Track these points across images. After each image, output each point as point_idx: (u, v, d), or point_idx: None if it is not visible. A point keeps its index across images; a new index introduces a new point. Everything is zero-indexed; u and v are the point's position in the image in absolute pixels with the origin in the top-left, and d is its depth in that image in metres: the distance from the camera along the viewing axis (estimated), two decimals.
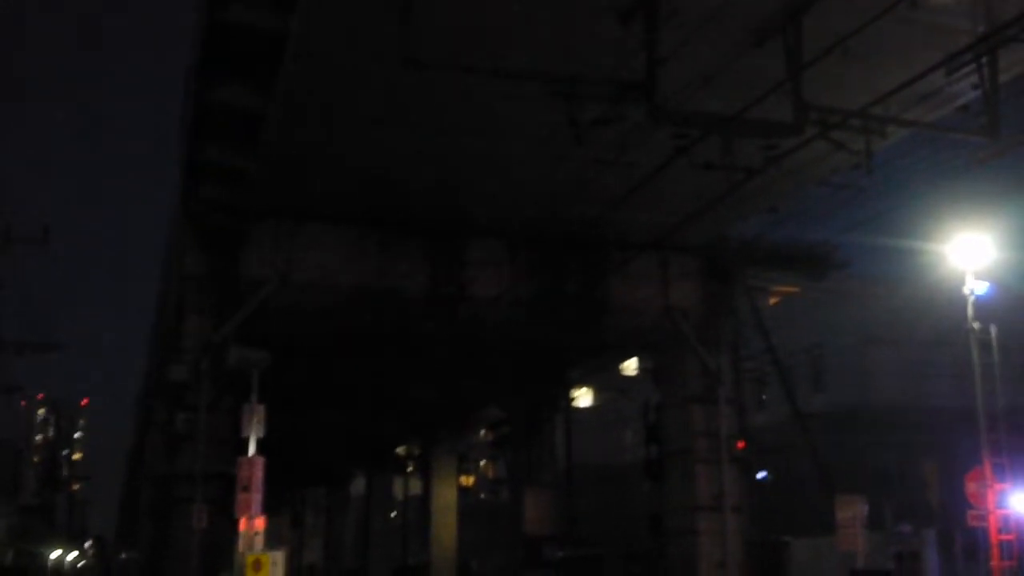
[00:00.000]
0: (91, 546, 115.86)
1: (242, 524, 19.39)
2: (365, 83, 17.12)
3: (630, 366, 41.61)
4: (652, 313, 25.15)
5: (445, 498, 47.28)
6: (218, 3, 16.28)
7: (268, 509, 20.79)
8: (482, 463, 63.23)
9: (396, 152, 19.83)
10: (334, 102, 17.88)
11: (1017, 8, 13.64)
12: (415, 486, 52.94)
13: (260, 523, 19.62)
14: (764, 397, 40.58)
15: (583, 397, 49.10)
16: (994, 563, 20.38)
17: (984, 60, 15.33)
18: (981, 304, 20.79)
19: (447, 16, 15.10)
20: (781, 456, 38.26)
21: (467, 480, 56.38)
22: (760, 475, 32.97)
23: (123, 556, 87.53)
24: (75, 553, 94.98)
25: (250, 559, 18.87)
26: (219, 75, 18.15)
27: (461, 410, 41.40)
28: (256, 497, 19.35)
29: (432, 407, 39.82)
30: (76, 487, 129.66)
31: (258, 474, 19.44)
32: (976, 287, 20.72)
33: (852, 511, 23.39)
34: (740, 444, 25.83)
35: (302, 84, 17.20)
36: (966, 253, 21.02)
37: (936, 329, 34.77)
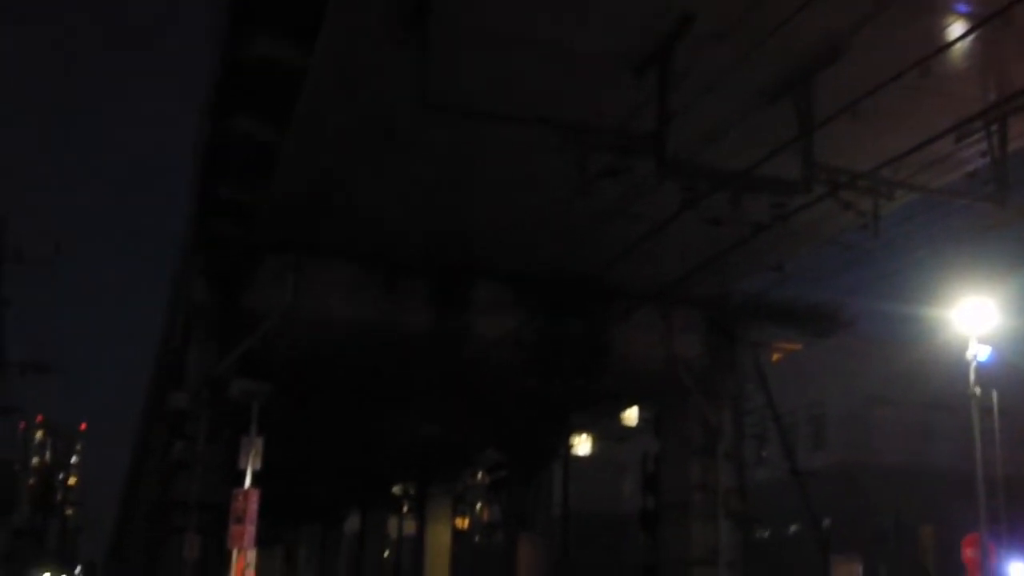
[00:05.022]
0: (81, 572, 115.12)
1: (234, 556, 19.33)
2: (379, 123, 17.28)
3: (631, 415, 41.51)
4: (654, 363, 25.14)
5: (439, 540, 46.98)
6: (239, 38, 16.48)
7: (261, 543, 20.73)
8: (478, 506, 62.88)
9: (407, 192, 19.98)
10: (348, 140, 18.04)
11: None
12: (410, 526, 52.61)
13: (252, 556, 19.56)
14: (764, 454, 40.41)
15: (582, 444, 48.89)
16: None
17: (993, 128, 15.49)
18: (984, 369, 20.80)
19: (464, 61, 15.28)
20: (779, 514, 38.07)
21: (462, 523, 56.05)
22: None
23: None
24: None
25: None
26: (235, 109, 18.34)
27: (459, 452, 41.26)
28: (249, 529, 19.30)
29: (430, 447, 39.69)
30: (69, 512, 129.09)
31: (253, 506, 19.41)
32: (979, 352, 20.74)
33: (847, 572, 23.29)
34: (739, 499, 25.69)
35: (317, 120, 17.38)
36: (970, 318, 21.06)
37: (938, 392, 34.69)
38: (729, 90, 14.81)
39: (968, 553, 21.27)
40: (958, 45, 13.69)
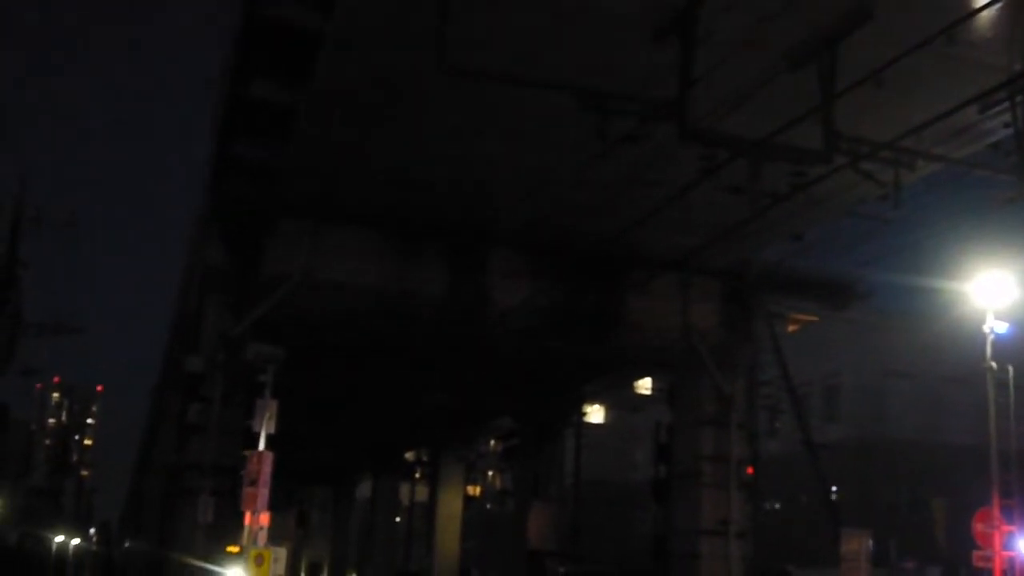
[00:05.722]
0: (96, 533, 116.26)
1: (247, 518, 19.44)
2: (398, 86, 17.19)
3: (644, 385, 41.58)
4: (670, 333, 25.10)
5: (451, 506, 47.23)
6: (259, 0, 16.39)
7: (274, 505, 20.84)
8: (490, 474, 63.16)
9: (425, 156, 19.92)
10: (366, 103, 17.97)
11: None
12: (421, 492, 52.93)
13: (265, 518, 19.67)
14: (777, 425, 40.41)
15: (595, 413, 49.04)
16: None
17: (1018, 99, 15.27)
18: (1000, 343, 20.66)
19: (483, 24, 15.17)
20: (790, 485, 38.13)
21: (474, 490, 56.33)
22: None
23: (127, 544, 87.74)
24: (77, 540, 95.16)
25: (252, 553, 18.93)
26: (253, 70, 18.27)
27: (472, 419, 41.39)
28: (263, 492, 19.40)
29: (443, 414, 39.82)
30: (85, 473, 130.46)
31: (266, 469, 19.50)
32: (996, 326, 20.58)
33: (857, 545, 23.29)
34: (749, 470, 25.74)
35: (336, 83, 17.30)
36: (988, 292, 20.88)
37: (954, 366, 34.59)
38: (751, 56, 14.66)
39: (979, 527, 21.19)
40: (984, 13, 13.51)
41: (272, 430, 19.92)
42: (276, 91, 18.46)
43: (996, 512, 20.40)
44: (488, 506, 64.58)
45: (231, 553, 19.74)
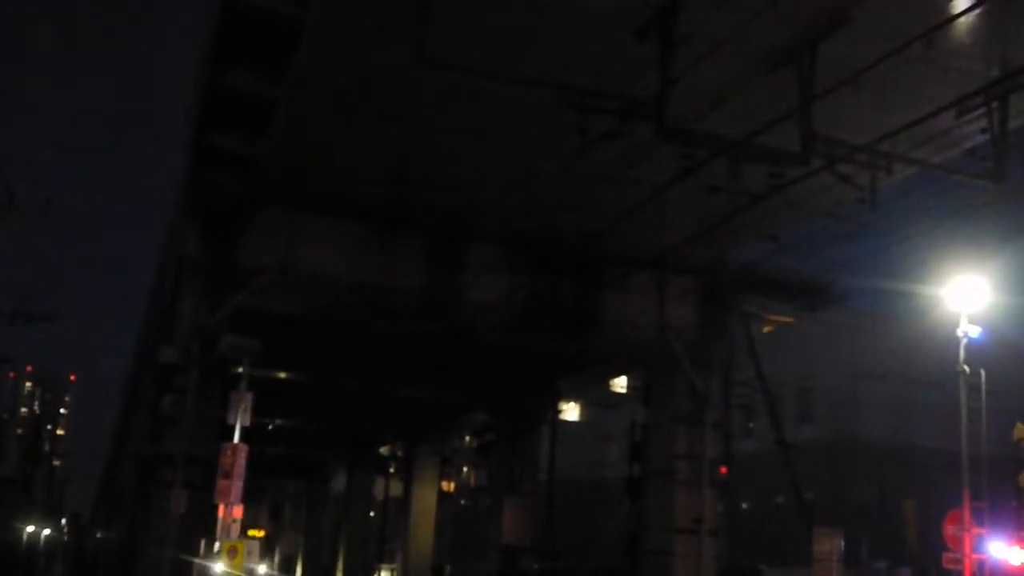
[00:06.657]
0: (67, 523, 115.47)
1: (220, 510, 19.39)
2: (378, 78, 17.16)
3: (620, 382, 41.63)
4: (646, 331, 25.17)
5: (425, 501, 47.20)
6: None
7: (247, 498, 20.77)
8: (464, 469, 63.19)
9: (403, 149, 19.89)
10: (345, 95, 17.93)
11: None
12: (396, 487, 52.85)
13: (238, 511, 19.63)
14: (751, 425, 40.59)
15: (571, 410, 49.05)
16: None
17: (994, 105, 15.41)
18: (973, 348, 20.80)
19: (464, 18, 15.15)
20: (764, 484, 38.33)
21: (448, 485, 56.27)
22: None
23: (99, 535, 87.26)
24: (48, 530, 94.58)
25: (226, 546, 18.88)
26: (232, 60, 18.18)
27: (447, 413, 41.38)
28: (237, 484, 19.36)
29: (418, 408, 39.78)
30: (57, 462, 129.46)
31: (241, 461, 19.46)
32: (969, 330, 20.72)
33: (829, 544, 23.45)
34: (722, 469, 25.83)
35: (315, 74, 17.25)
36: (962, 296, 21.02)
37: (927, 369, 34.85)
38: (731, 57, 14.70)
39: (950, 530, 21.35)
40: (963, 19, 13.60)
41: (247, 422, 19.88)
42: (254, 81, 18.37)
43: (967, 515, 20.58)
44: (462, 501, 64.60)
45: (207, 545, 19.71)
